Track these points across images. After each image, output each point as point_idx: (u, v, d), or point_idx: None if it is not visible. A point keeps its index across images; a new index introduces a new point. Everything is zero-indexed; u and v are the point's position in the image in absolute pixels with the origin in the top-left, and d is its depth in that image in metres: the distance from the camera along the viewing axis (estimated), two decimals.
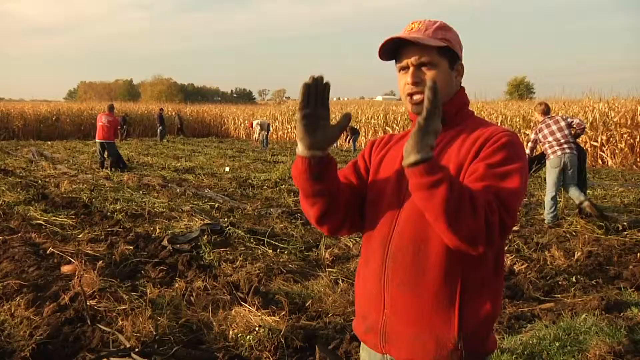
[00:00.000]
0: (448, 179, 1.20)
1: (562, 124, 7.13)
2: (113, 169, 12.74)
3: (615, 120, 17.00)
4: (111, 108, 13.74)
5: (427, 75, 1.43)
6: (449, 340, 1.35)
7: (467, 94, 1.55)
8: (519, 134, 16.19)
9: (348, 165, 1.62)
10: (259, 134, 22.42)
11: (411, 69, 1.44)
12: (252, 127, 23.81)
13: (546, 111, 7.35)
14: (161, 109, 29.03)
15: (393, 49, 1.47)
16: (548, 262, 5.29)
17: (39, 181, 10.68)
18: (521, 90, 60.31)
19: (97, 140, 13.36)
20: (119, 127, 26.45)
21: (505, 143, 1.34)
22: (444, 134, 1.45)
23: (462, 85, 1.53)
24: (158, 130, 26.68)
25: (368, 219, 1.52)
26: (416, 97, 1.44)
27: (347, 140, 21.38)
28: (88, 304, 3.93)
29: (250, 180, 11.23)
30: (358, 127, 23.64)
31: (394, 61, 1.51)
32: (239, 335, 3.49)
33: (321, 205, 1.44)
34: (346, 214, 1.51)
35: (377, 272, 1.46)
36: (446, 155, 1.42)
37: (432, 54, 1.42)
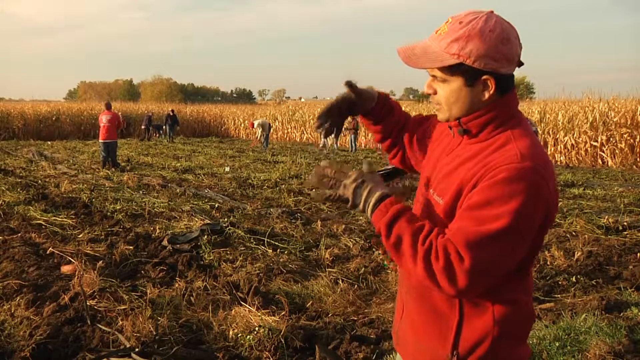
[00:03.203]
0: (387, 225, 1.26)
1: None
2: (114, 169, 12.75)
3: (615, 120, 17.00)
4: (108, 106, 13.57)
5: (438, 88, 1.33)
6: (442, 356, 1.33)
7: (509, 105, 1.31)
8: None
9: (426, 122, 1.63)
10: (261, 134, 22.39)
11: (429, 78, 1.35)
12: (253, 127, 23.74)
13: None
14: (172, 110, 28.47)
15: None
16: (548, 262, 5.29)
17: (39, 181, 10.68)
18: (521, 90, 60.16)
19: (100, 141, 13.36)
20: (143, 126, 26.48)
21: (499, 180, 1.19)
22: (467, 148, 1.34)
23: (503, 96, 1.30)
24: (165, 128, 26.56)
25: None
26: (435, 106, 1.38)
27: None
28: (88, 304, 3.93)
29: (250, 180, 11.23)
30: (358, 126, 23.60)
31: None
32: (239, 335, 3.49)
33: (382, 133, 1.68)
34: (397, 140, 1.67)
35: (400, 278, 1.53)
36: (456, 174, 1.31)
37: (440, 68, 1.29)
